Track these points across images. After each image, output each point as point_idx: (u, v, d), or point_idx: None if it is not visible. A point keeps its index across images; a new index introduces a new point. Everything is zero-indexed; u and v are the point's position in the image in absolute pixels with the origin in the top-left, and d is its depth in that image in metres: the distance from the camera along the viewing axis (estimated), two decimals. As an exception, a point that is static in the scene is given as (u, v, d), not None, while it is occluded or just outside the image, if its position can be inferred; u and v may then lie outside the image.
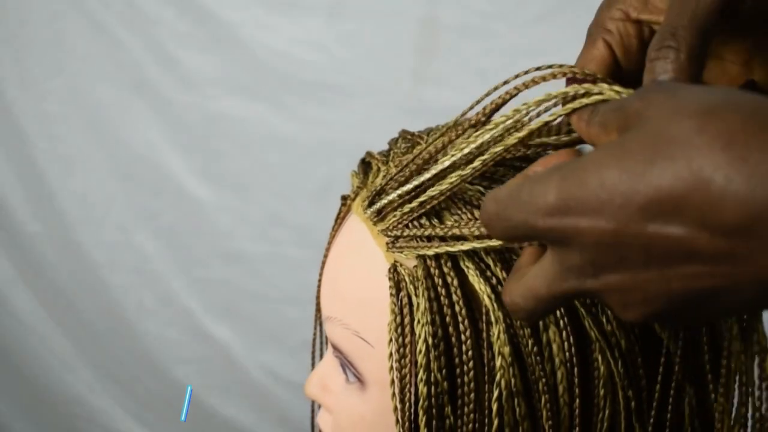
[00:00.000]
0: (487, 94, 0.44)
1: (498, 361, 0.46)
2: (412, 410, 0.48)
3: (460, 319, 0.47)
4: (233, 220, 1.62)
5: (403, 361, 0.48)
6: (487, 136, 0.45)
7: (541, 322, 0.46)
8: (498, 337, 0.46)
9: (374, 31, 1.47)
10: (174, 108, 1.59)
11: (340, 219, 0.57)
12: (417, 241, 0.48)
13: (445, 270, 0.47)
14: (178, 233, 1.66)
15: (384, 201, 0.50)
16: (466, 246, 0.46)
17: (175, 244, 1.67)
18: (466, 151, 0.46)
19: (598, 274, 0.35)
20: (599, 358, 0.46)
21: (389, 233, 0.50)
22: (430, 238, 0.48)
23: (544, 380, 0.46)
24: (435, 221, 0.48)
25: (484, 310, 0.46)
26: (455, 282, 0.47)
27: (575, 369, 0.46)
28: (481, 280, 0.46)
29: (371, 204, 0.51)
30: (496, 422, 0.46)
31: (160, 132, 1.61)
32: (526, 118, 0.44)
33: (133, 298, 1.71)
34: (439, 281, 0.47)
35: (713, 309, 0.34)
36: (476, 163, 0.45)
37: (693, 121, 0.31)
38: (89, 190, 1.68)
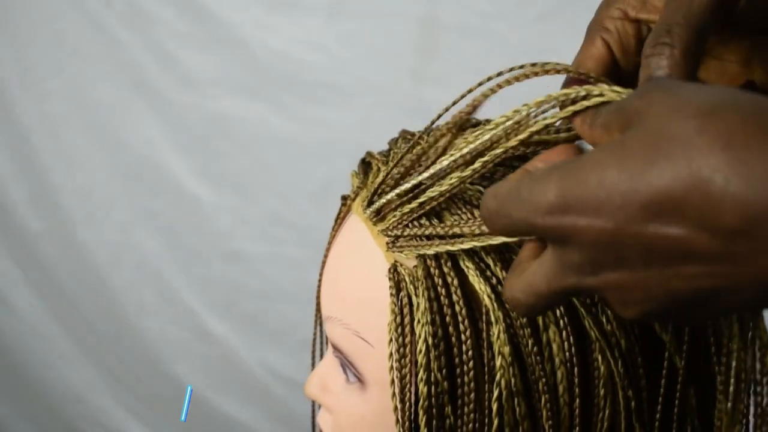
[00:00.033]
0: (480, 84, 0.44)
1: (498, 361, 0.46)
2: (413, 410, 0.48)
3: (460, 318, 0.47)
4: (233, 220, 1.62)
5: (403, 360, 0.48)
6: (486, 137, 0.45)
7: (541, 322, 0.46)
8: (498, 336, 0.46)
9: (374, 31, 1.47)
10: (174, 108, 1.60)
11: (340, 219, 0.57)
12: (417, 240, 0.48)
13: (445, 270, 0.47)
14: (179, 233, 1.66)
15: (383, 201, 0.50)
16: (466, 245, 0.46)
17: (176, 244, 1.67)
18: (465, 151, 0.46)
19: (597, 272, 0.35)
20: (599, 357, 0.46)
21: (389, 233, 0.50)
22: (429, 237, 0.48)
23: (544, 380, 0.46)
24: (435, 221, 0.48)
25: (484, 310, 0.46)
26: (455, 282, 0.47)
27: (575, 369, 0.46)
28: (481, 279, 0.46)
29: (371, 204, 0.51)
30: (496, 422, 0.46)
31: (160, 132, 1.62)
32: (525, 120, 0.44)
33: (134, 297, 1.71)
34: (439, 281, 0.47)
35: (713, 308, 0.34)
36: (476, 165, 0.45)
37: (693, 121, 0.31)
38: (91, 190, 1.68)
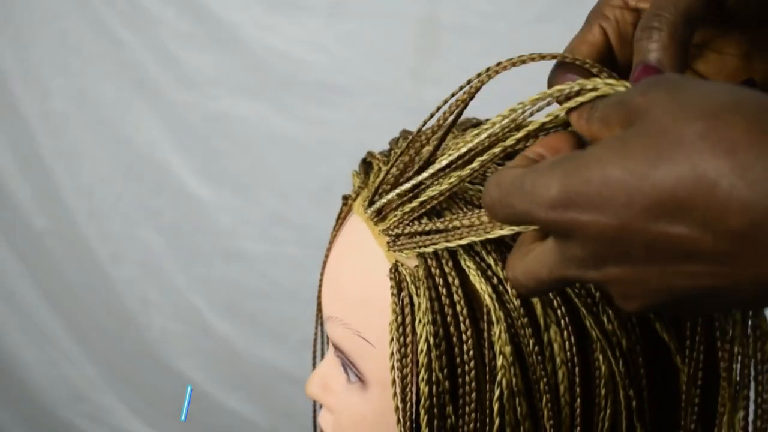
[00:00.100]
0: (478, 76, 0.45)
1: (499, 361, 0.46)
2: (414, 410, 0.48)
3: (461, 318, 0.47)
4: (234, 220, 1.63)
5: (404, 360, 0.48)
6: (484, 136, 0.45)
7: (542, 322, 0.46)
8: (499, 336, 0.46)
9: (374, 31, 1.47)
10: (175, 107, 1.60)
11: (341, 219, 0.57)
12: (417, 238, 0.48)
13: (447, 269, 0.47)
14: (180, 232, 1.67)
15: (384, 201, 0.50)
16: (465, 240, 0.46)
17: (177, 243, 1.68)
18: (463, 151, 0.46)
19: (599, 266, 0.35)
20: (600, 357, 0.46)
21: (390, 233, 0.50)
22: (429, 233, 0.48)
23: (545, 380, 0.46)
24: (436, 220, 0.48)
25: (485, 310, 0.46)
26: (456, 282, 0.47)
27: (576, 368, 0.46)
28: (482, 279, 0.46)
29: (372, 204, 0.51)
30: (497, 422, 0.46)
31: (161, 131, 1.62)
32: (521, 118, 0.44)
33: (137, 294, 1.71)
34: (440, 281, 0.47)
35: (712, 305, 0.35)
36: (474, 164, 0.46)
37: (696, 124, 0.31)
38: (95, 187, 1.69)
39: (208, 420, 1.67)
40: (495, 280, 0.46)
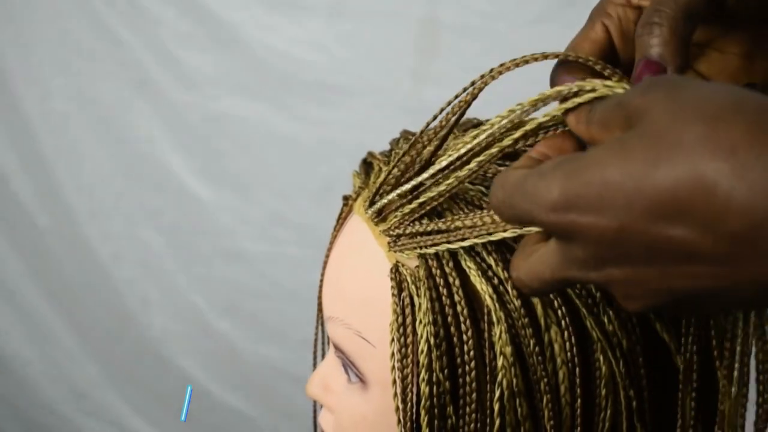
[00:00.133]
0: (482, 77, 0.45)
1: (500, 361, 0.46)
2: (414, 410, 0.48)
3: (461, 319, 0.47)
4: (234, 220, 1.63)
5: (404, 361, 0.48)
6: (482, 137, 0.45)
7: (542, 323, 0.46)
8: (500, 337, 0.46)
9: (374, 31, 1.47)
10: (175, 107, 1.60)
11: (341, 219, 0.57)
12: (418, 238, 0.48)
13: (447, 270, 0.47)
14: (180, 232, 1.67)
15: (385, 201, 0.50)
16: (467, 242, 0.46)
17: (177, 243, 1.68)
18: (462, 152, 0.46)
19: (600, 267, 0.35)
20: (601, 358, 0.46)
21: (391, 233, 0.50)
22: (430, 233, 0.48)
23: (545, 380, 0.46)
24: (436, 220, 0.48)
25: (485, 311, 0.46)
26: (457, 282, 0.47)
27: (577, 369, 0.46)
28: (483, 280, 0.46)
29: (372, 204, 0.51)
30: (497, 422, 0.46)
31: (161, 131, 1.62)
32: (520, 119, 0.44)
33: (138, 293, 1.72)
34: (440, 281, 0.47)
35: (713, 305, 0.35)
36: (472, 165, 0.46)
37: (696, 125, 0.31)
38: (95, 186, 1.69)
39: (209, 419, 1.68)
40: (496, 281, 0.46)
